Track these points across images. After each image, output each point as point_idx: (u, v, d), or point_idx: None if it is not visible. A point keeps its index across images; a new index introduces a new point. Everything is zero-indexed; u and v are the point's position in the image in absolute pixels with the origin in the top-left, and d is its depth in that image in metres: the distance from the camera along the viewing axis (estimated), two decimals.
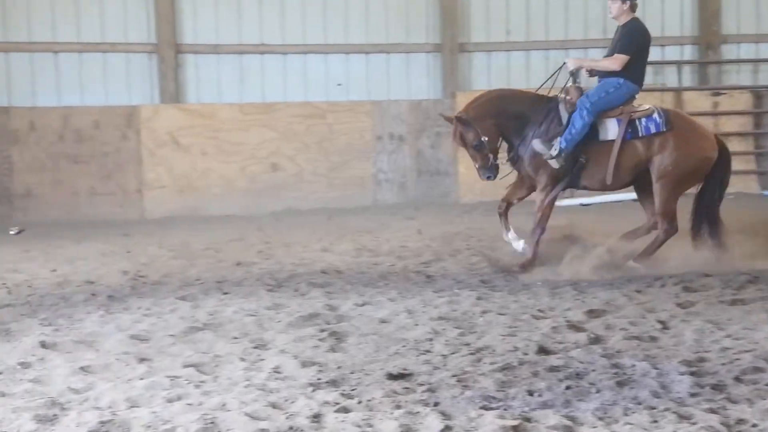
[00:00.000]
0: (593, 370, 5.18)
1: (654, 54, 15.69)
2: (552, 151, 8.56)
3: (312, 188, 14.58)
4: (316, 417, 4.52)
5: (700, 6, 15.72)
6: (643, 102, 8.95)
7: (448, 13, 15.32)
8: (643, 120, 8.56)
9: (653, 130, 8.54)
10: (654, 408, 4.48)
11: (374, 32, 15.29)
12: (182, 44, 14.71)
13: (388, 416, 4.48)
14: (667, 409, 4.43)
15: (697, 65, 15.97)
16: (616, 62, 8.65)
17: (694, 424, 4.21)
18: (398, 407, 4.62)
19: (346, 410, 4.61)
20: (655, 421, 4.29)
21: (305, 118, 14.69)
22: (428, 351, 5.77)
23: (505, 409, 4.54)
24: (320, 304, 7.25)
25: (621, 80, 8.64)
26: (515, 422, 4.30)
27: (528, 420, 4.37)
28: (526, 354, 5.62)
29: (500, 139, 8.99)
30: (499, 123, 8.90)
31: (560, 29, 15.68)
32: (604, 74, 8.79)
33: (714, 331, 6.03)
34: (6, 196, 13.64)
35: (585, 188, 9.08)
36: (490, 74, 15.64)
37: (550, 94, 8.92)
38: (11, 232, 12.39)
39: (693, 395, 4.69)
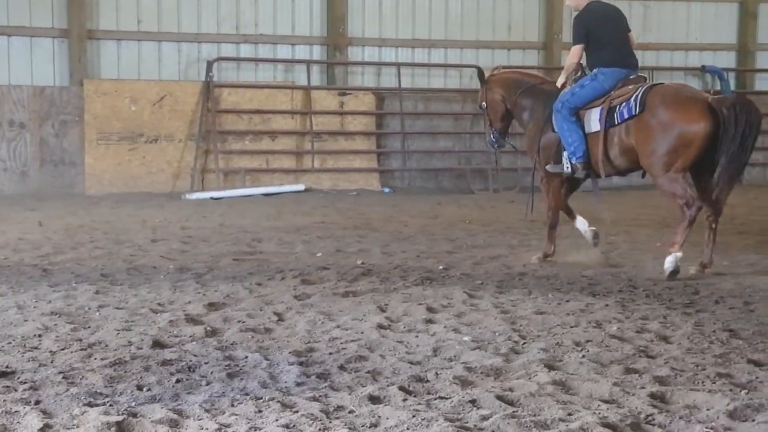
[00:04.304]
0: (206, 363, 5.20)
1: (285, 52, 16.27)
2: (565, 169, 8.50)
3: None
4: None
5: (329, 8, 16.31)
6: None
7: None
8: (622, 105, 8.11)
9: (626, 115, 8.07)
10: (260, 398, 4.56)
11: None
12: None
13: None
14: (272, 399, 4.53)
15: (326, 65, 16.56)
16: (571, 55, 8.61)
17: (296, 412, 4.33)
18: None
19: None
20: (260, 411, 4.37)
21: None
22: (36, 348, 5.52)
23: (110, 405, 4.44)
24: None
25: (595, 71, 8.42)
26: (120, 418, 4.21)
27: (134, 415, 4.30)
28: (140, 348, 5.53)
29: (505, 113, 9.13)
30: (506, 98, 9.01)
31: (193, 22, 15.65)
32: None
33: (325, 322, 6.26)
34: None
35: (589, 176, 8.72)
36: (120, 63, 15.32)
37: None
38: None
39: (299, 384, 4.83)
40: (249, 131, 15.70)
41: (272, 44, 16.20)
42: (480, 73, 9.40)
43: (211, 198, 14.56)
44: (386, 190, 16.16)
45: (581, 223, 8.85)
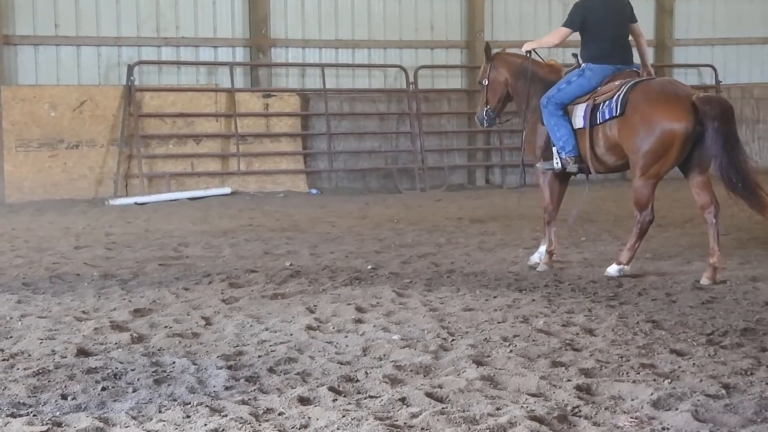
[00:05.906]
0: (132, 370, 5.14)
1: (207, 55, 16.14)
2: (555, 165, 8.26)
3: None
4: None
5: (251, 10, 16.20)
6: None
7: None
8: (604, 105, 7.91)
9: (608, 116, 7.87)
10: (188, 403, 4.52)
11: None
12: None
13: None
14: (200, 404, 4.50)
15: (249, 67, 16.45)
16: (554, 35, 8.45)
17: (225, 416, 4.30)
18: None
19: None
20: (188, 416, 4.33)
21: None
22: None
23: (34, 415, 4.36)
24: None
25: (584, 66, 8.22)
26: (44, 428, 4.15)
27: (59, 425, 4.23)
28: (64, 357, 5.44)
29: (505, 96, 8.89)
30: (511, 80, 8.77)
31: (112, 26, 15.43)
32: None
33: (254, 325, 6.23)
34: None
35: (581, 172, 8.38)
36: (38, 68, 15.05)
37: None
38: None
39: (228, 388, 4.80)
40: (173, 135, 15.53)
41: (194, 47, 16.04)
42: (487, 48, 9.08)
43: (136, 203, 14.36)
44: (313, 191, 16.12)
45: (543, 248, 8.56)
